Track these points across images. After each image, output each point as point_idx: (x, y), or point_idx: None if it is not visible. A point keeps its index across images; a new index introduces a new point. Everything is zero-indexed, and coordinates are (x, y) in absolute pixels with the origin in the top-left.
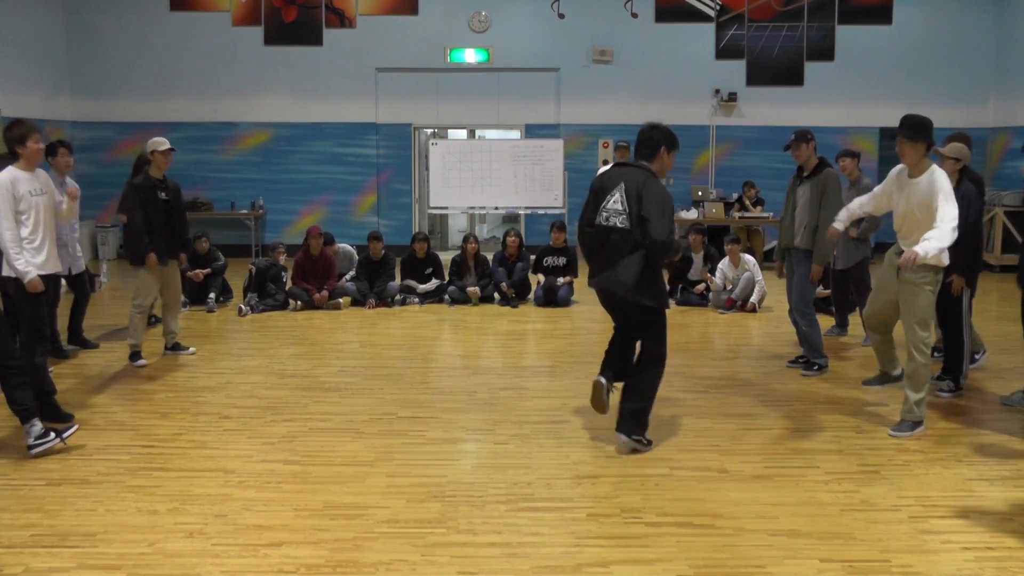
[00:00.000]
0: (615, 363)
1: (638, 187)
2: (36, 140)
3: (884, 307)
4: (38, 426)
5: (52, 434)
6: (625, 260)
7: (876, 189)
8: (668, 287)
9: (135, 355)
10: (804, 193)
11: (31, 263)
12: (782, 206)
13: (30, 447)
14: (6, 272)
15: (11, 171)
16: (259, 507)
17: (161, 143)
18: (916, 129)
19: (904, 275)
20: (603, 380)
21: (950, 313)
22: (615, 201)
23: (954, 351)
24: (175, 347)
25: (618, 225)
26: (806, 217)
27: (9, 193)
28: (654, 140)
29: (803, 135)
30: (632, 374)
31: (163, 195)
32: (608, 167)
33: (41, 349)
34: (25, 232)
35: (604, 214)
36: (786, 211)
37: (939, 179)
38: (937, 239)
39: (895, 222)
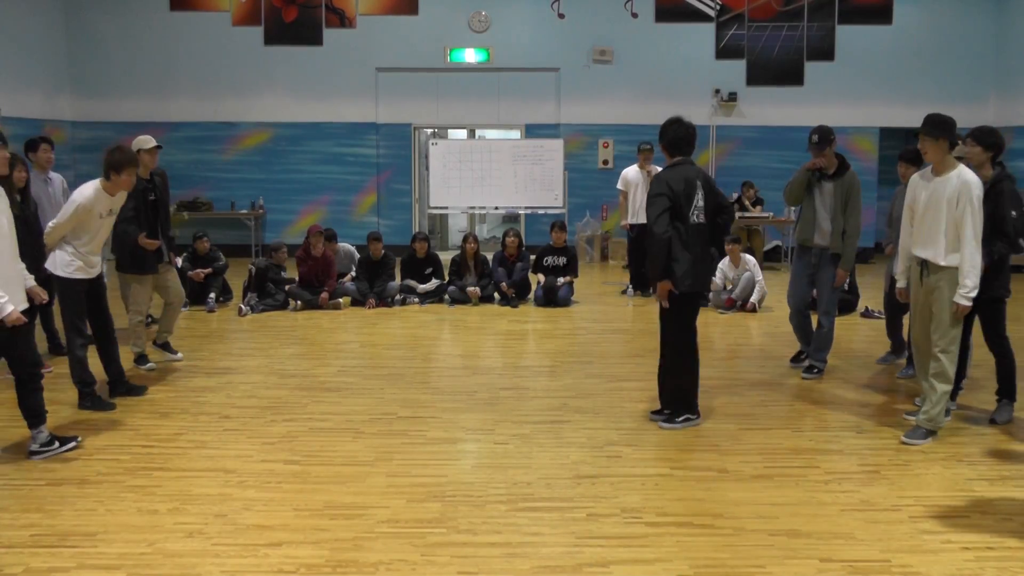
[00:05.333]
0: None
1: (709, 180)
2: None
3: (926, 327)
4: (44, 434)
5: (56, 443)
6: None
7: (903, 215)
8: None
9: (142, 358)
10: (827, 192)
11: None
12: (783, 205)
13: (33, 452)
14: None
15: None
16: (259, 507)
17: (147, 141)
18: (937, 126)
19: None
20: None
21: (986, 322)
22: (700, 198)
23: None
24: (164, 346)
25: (702, 221)
26: (829, 217)
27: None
28: (693, 136)
29: (827, 137)
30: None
31: (152, 196)
32: (676, 165)
33: (80, 342)
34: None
35: (696, 212)
36: (806, 206)
37: (971, 180)
38: (972, 273)
39: (913, 222)
